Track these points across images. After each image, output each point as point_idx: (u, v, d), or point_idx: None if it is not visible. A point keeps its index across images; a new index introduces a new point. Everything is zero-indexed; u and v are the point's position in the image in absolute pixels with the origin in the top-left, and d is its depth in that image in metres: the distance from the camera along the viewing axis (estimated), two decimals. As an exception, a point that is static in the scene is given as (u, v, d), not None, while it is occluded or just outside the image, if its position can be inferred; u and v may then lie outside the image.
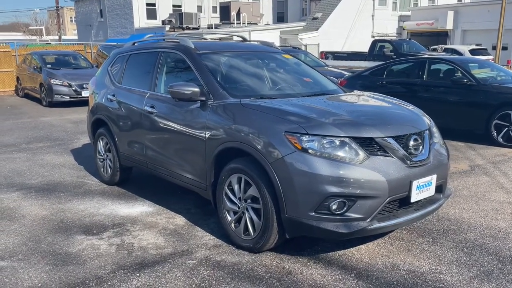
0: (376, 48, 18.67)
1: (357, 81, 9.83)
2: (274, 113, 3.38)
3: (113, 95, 5.15)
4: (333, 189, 3.00)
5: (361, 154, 3.11)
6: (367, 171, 3.06)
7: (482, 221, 4.12)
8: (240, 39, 5.52)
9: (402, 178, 3.18)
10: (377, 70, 9.61)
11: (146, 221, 4.21)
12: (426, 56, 11.47)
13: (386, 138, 3.21)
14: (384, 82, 9.22)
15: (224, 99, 3.74)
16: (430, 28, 26.97)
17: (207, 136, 3.73)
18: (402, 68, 9.38)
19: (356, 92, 4.66)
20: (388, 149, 3.20)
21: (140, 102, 4.64)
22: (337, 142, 3.10)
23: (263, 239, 3.33)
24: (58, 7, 41.04)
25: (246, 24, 26.69)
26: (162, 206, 4.62)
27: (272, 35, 24.28)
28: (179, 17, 25.88)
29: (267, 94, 3.99)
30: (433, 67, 8.67)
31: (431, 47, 20.69)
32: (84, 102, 12.63)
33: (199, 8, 29.88)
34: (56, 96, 12.59)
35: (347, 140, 3.12)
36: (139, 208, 4.58)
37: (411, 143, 3.32)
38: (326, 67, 12.42)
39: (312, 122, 3.21)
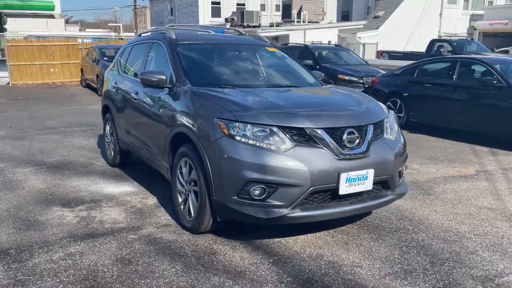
0: (434, 48, 17.78)
1: (388, 80, 9.60)
2: (216, 101, 3.53)
3: (115, 83, 5.57)
4: (254, 175, 3.10)
5: (288, 143, 3.17)
6: (290, 160, 3.12)
7: (445, 224, 3.96)
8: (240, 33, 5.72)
9: (328, 169, 3.19)
10: (409, 69, 9.29)
11: (121, 200, 4.54)
12: (459, 56, 10.82)
13: (316, 129, 3.24)
14: (413, 82, 8.90)
15: (184, 87, 3.96)
16: (504, 28, 25.04)
17: (166, 120, 3.97)
18: (433, 67, 8.97)
19: (329, 86, 4.65)
20: (318, 140, 3.23)
21: (130, 89, 5.00)
22: (265, 131, 3.19)
23: (199, 220, 3.51)
24: (136, 5, 43.48)
25: (306, 23, 26.59)
26: (145, 188, 4.94)
27: (329, 34, 23.96)
28: (240, 15, 26.41)
29: (229, 83, 4.13)
30: (464, 67, 8.21)
31: (499, 48, 19.28)
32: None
33: (262, 7, 30.26)
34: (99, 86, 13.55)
35: (275, 129, 3.20)
36: (123, 188, 4.94)
37: (345, 136, 3.31)
38: (366, 66, 12.15)
39: (245, 111, 3.32)
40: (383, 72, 11.09)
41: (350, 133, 3.34)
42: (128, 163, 5.86)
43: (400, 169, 3.71)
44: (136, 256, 3.22)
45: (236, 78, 4.39)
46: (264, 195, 3.14)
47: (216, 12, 29.12)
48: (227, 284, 2.85)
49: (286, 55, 5.06)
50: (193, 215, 3.61)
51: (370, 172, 3.36)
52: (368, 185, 3.38)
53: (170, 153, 3.95)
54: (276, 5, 30.68)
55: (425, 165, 6.09)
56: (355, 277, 2.97)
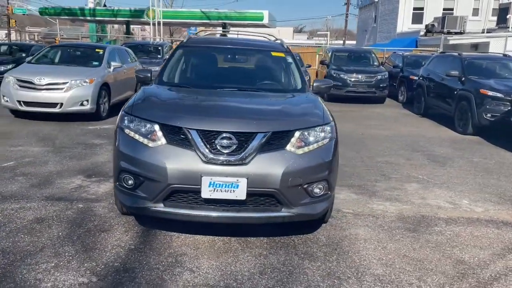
0: None
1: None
2: (137, 96, 3.91)
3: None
4: (125, 165, 3.39)
5: (162, 140, 3.32)
6: (155, 156, 3.28)
7: (363, 262, 3.34)
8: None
9: (190, 170, 3.21)
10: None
11: (127, 179, 5.29)
12: None
13: (189, 130, 3.28)
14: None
15: (152, 83, 4.45)
16: None
17: None
18: None
19: (302, 94, 4.34)
20: (191, 141, 3.26)
21: None
22: (146, 126, 3.41)
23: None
24: (347, 14, 44.48)
25: (525, 29, 22.50)
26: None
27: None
28: (442, 21, 24.27)
29: (190, 84, 4.43)
30: None
31: None
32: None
33: (475, 11, 26.95)
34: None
35: (155, 126, 3.38)
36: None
37: (218, 140, 3.24)
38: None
39: (141, 107, 3.63)
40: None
41: (226, 138, 3.24)
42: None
43: (305, 186, 3.35)
44: (53, 219, 3.89)
45: (201, 80, 4.63)
46: (133, 185, 3.38)
47: (417, 18, 27.37)
48: (66, 254, 3.25)
49: (291, 61, 4.89)
50: (120, 198, 4.06)
51: (242, 181, 3.19)
52: (240, 194, 3.21)
53: None
54: (493, 9, 26.83)
55: (480, 203, 4.91)
56: (168, 277, 2.96)
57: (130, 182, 3.40)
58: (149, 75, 4.59)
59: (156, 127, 3.38)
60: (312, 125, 3.52)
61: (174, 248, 3.44)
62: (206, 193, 3.22)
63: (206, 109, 3.70)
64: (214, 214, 3.29)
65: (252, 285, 2.94)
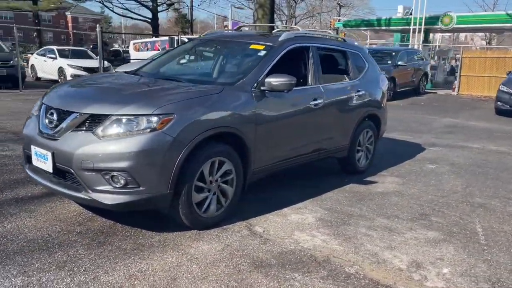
0: None
1: None
2: None
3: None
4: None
5: (37, 112, 3.87)
6: (26, 124, 3.91)
7: (119, 271, 2.91)
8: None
9: (30, 138, 3.69)
10: None
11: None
12: None
13: (43, 104, 3.77)
14: None
15: None
16: None
17: None
18: None
19: (225, 87, 3.82)
20: (42, 114, 3.71)
21: None
22: (39, 103, 4.00)
23: None
24: None
25: None
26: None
27: None
28: None
29: (146, 72, 4.68)
30: None
31: None
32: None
33: None
34: (497, 103, 11.86)
35: (39, 101, 3.96)
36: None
37: (47, 115, 3.59)
38: None
39: (51, 89, 4.19)
40: None
41: (51, 114, 3.55)
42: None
43: (103, 173, 3.23)
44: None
45: (157, 69, 4.77)
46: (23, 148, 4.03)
47: None
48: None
49: (261, 55, 4.27)
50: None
51: (49, 155, 3.41)
52: (48, 166, 3.44)
53: None
54: None
55: (463, 279, 3.04)
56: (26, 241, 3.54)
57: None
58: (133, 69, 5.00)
59: (39, 102, 3.95)
60: (132, 112, 3.28)
61: (57, 214, 3.87)
62: (34, 161, 3.61)
63: (67, 89, 4.01)
64: (43, 182, 3.59)
65: (13, 247, 3.20)
